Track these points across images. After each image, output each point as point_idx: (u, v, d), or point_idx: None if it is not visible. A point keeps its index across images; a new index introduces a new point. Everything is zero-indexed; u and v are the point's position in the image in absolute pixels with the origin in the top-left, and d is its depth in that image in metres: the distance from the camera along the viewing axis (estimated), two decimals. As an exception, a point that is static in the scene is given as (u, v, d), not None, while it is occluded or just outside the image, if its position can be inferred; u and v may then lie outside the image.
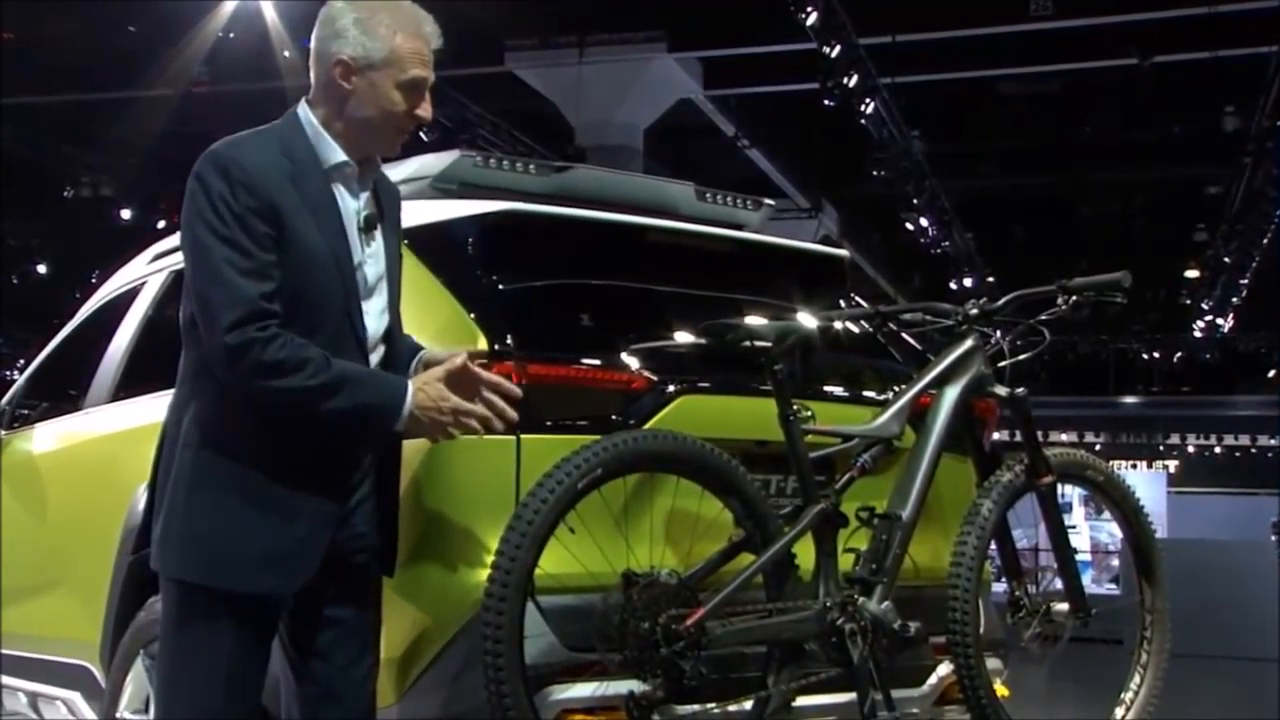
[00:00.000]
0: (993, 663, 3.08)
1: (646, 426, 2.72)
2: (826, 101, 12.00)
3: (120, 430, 3.73)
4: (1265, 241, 15.57)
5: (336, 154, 2.44)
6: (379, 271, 2.47)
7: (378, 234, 2.49)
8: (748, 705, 2.65)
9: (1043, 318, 3.13)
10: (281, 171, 2.37)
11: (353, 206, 2.46)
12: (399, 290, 2.54)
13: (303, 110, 2.47)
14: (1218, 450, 25.48)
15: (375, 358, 2.48)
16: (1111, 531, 14.63)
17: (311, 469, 2.37)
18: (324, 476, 2.39)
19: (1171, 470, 24.47)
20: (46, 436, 4.21)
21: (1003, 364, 3.11)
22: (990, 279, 19.15)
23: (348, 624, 2.47)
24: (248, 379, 2.28)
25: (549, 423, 2.68)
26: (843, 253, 3.76)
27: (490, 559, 2.44)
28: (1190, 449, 25.67)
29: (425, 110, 2.45)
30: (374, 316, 2.46)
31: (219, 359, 2.30)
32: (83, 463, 3.96)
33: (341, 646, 2.47)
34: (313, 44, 2.45)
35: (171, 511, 2.39)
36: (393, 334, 2.52)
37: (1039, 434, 3.14)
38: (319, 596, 2.44)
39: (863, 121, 12.64)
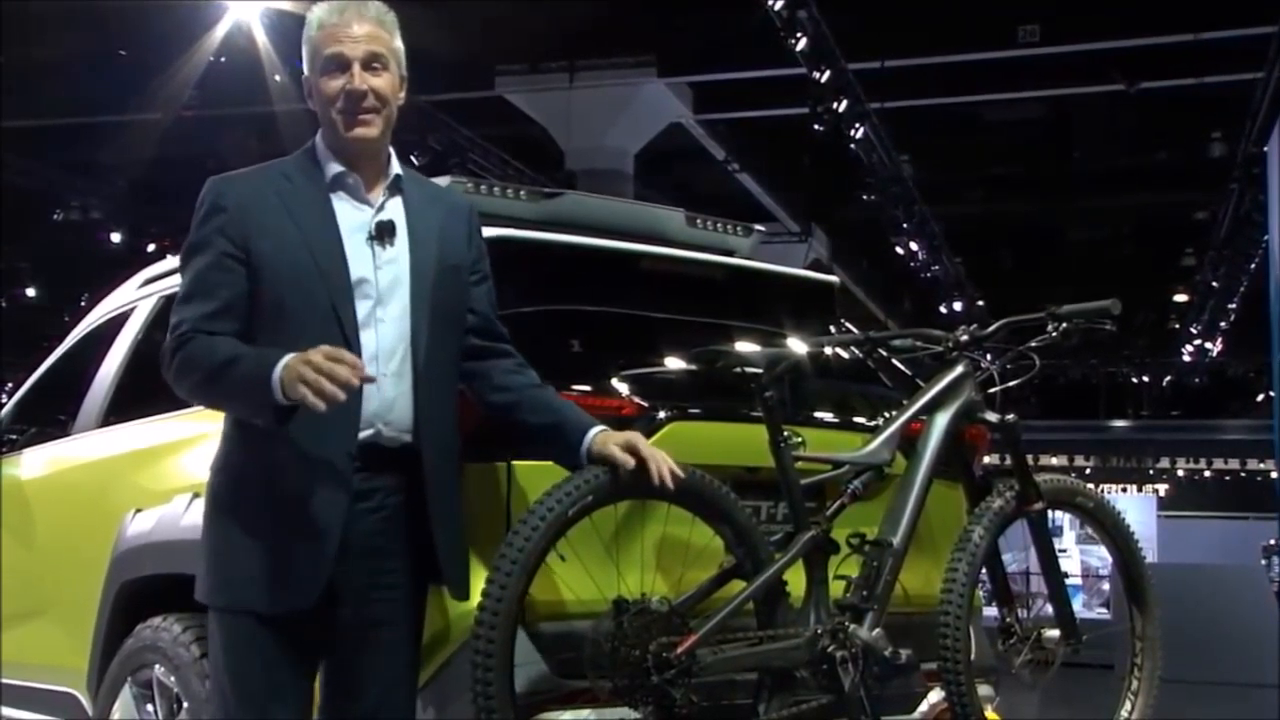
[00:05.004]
0: (984, 689, 3.07)
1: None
2: (816, 126, 12.05)
3: (109, 456, 3.72)
4: (1252, 266, 15.64)
5: (334, 167, 2.50)
6: (395, 278, 2.47)
7: (398, 240, 2.49)
8: (739, 733, 2.63)
9: (1032, 344, 3.14)
10: (272, 190, 2.46)
11: (358, 217, 2.48)
12: (439, 295, 2.49)
13: (317, 135, 2.56)
14: (1208, 474, 25.54)
15: (393, 365, 2.44)
16: (1102, 555, 14.62)
17: (309, 494, 2.36)
18: (323, 502, 2.37)
19: (1161, 494, 24.51)
20: (35, 462, 4.19)
21: (993, 390, 3.12)
22: (980, 303, 19.21)
23: (381, 659, 2.45)
24: (173, 385, 2.45)
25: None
26: (832, 279, 3.76)
27: (481, 586, 2.42)
28: (1180, 473, 25.73)
29: (354, 83, 2.44)
30: (389, 323, 2.45)
31: None
32: (71, 489, 3.94)
33: (375, 683, 2.45)
34: None
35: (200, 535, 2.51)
36: (419, 338, 2.46)
37: (1029, 459, 3.15)
38: (350, 633, 2.43)
39: (852, 146, 12.70)
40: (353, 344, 2.39)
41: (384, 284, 2.46)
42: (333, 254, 2.43)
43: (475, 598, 2.43)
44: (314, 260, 2.41)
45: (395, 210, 2.52)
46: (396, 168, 2.56)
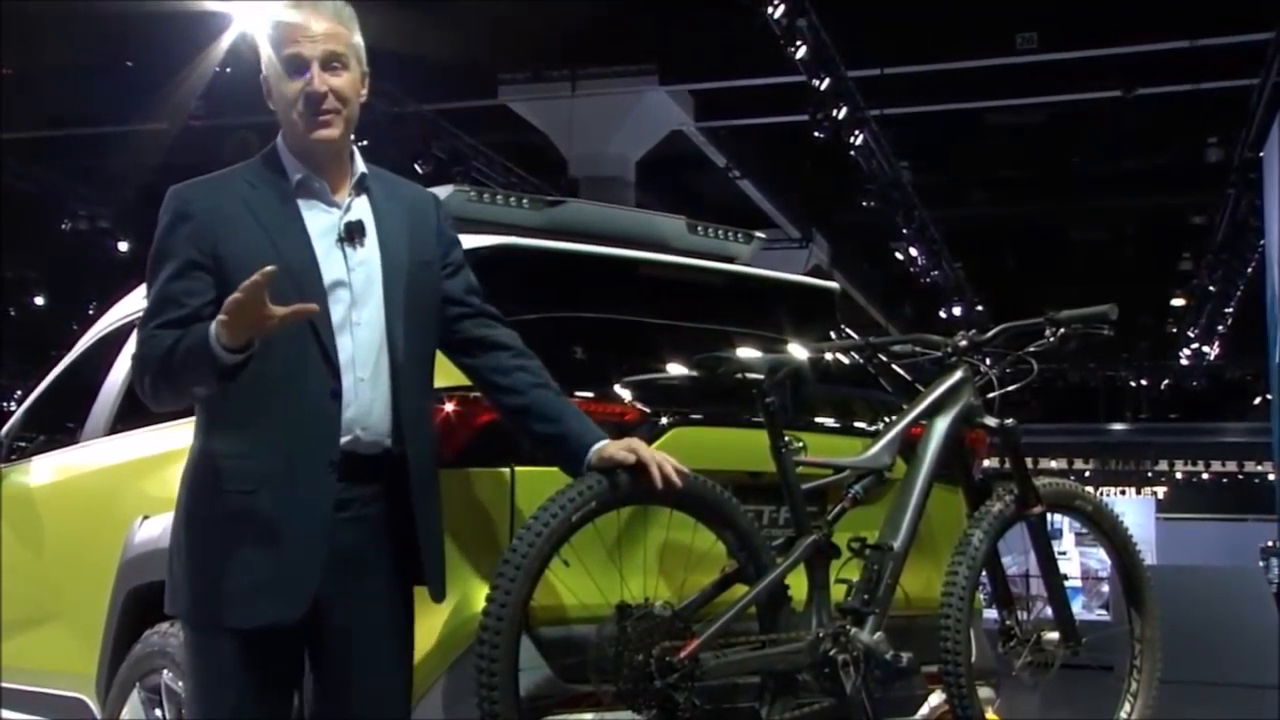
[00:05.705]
0: (985, 691, 3.10)
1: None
2: (816, 133, 12.09)
3: (117, 463, 3.74)
4: (1250, 270, 15.66)
5: (297, 171, 2.45)
6: (368, 279, 2.43)
7: (368, 241, 2.44)
8: (742, 736, 2.66)
9: (1031, 349, 3.16)
10: (237, 197, 2.41)
11: (326, 220, 2.44)
12: (412, 293, 2.45)
13: (279, 137, 2.51)
14: (1206, 476, 25.55)
15: (369, 369, 2.38)
16: (1101, 558, 14.61)
17: (290, 506, 2.33)
18: (304, 513, 2.33)
19: (1160, 496, 24.51)
20: (44, 469, 4.22)
21: (992, 395, 3.15)
22: (979, 307, 19.23)
23: (369, 668, 2.43)
24: (144, 396, 2.42)
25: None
26: (833, 285, 3.79)
27: (485, 591, 2.44)
28: (1179, 475, 25.74)
29: (314, 85, 2.38)
30: (365, 326, 2.40)
31: None
32: (80, 496, 3.96)
33: (364, 693, 2.43)
34: None
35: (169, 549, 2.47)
36: (395, 338, 2.41)
37: (1029, 462, 3.17)
38: (336, 645, 2.41)
39: (852, 153, 12.72)
40: (329, 349, 2.35)
41: (358, 286, 2.41)
42: (304, 258, 2.37)
43: (479, 603, 2.44)
44: (285, 265, 2.30)
45: (362, 210, 2.47)
46: (361, 166, 2.51)
